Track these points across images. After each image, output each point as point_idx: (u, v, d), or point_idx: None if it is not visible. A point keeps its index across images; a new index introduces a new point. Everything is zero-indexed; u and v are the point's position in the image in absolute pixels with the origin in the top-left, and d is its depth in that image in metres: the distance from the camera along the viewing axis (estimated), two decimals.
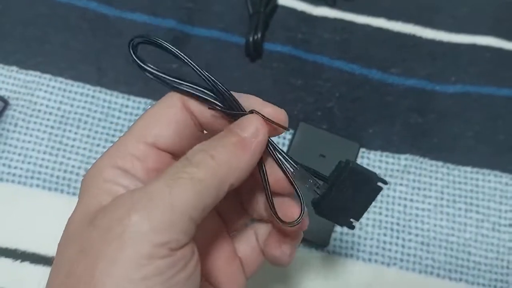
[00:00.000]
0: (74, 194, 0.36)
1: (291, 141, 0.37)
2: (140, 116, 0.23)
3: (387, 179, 0.37)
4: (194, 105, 0.22)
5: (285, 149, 0.38)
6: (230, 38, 0.41)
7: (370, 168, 0.37)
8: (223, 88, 0.21)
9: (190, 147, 0.21)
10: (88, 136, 0.37)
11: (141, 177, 0.21)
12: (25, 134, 0.37)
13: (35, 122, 0.37)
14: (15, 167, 0.36)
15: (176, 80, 0.22)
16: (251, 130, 0.21)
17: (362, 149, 0.38)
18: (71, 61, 0.39)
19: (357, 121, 0.39)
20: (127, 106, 0.38)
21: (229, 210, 0.26)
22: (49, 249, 0.34)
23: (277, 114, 0.23)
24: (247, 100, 0.23)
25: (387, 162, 0.38)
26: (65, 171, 0.37)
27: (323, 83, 0.40)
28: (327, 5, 0.42)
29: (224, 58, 0.40)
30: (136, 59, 0.22)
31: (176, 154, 0.22)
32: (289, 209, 0.23)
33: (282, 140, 0.38)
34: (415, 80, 0.40)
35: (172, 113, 0.22)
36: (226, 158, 0.20)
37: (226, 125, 0.22)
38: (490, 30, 0.41)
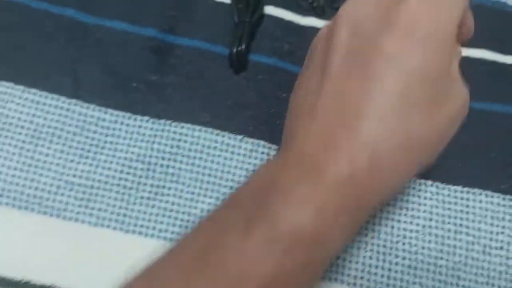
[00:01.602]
0: (45, 213, 0.34)
1: None
2: None
3: None
4: None
5: None
6: (214, 48, 0.39)
7: None
8: None
9: None
10: (61, 151, 0.36)
11: None
12: None
13: (5, 136, 0.36)
14: None
15: None
16: None
17: None
18: (46, 71, 0.37)
19: None
20: (104, 120, 0.37)
21: None
22: (18, 272, 0.33)
23: None
24: None
25: None
26: (36, 189, 0.35)
27: None
28: (316, 14, 0.40)
29: (208, 69, 0.39)
30: None
31: None
32: None
33: (266, 156, 0.37)
34: None
35: None
36: None
37: None
38: (484, 42, 0.40)
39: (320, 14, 0.40)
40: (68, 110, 0.37)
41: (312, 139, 0.23)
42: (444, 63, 0.24)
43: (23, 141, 0.36)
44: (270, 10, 0.40)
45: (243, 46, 0.37)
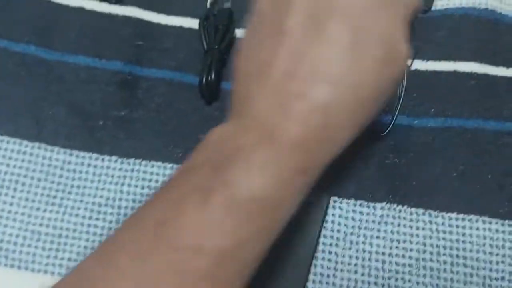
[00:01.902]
0: (12, 266, 0.32)
1: None
2: None
3: (361, 232, 0.33)
4: None
5: None
6: (183, 78, 0.37)
7: (343, 220, 0.33)
8: None
9: None
10: (26, 199, 0.34)
11: None
12: None
13: None
14: None
15: None
16: None
17: (334, 198, 0.34)
18: (7, 113, 0.35)
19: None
20: (69, 163, 0.34)
21: None
22: None
23: None
24: None
25: (361, 213, 0.34)
26: (1, 241, 0.33)
27: None
28: None
29: (178, 101, 0.36)
30: None
31: None
32: None
33: None
34: (390, 115, 0.36)
35: None
36: None
37: None
38: (472, 54, 0.37)
39: None
40: (31, 154, 0.35)
41: (267, 102, 0.23)
42: (398, 27, 0.24)
43: None
44: (241, 33, 0.37)
45: (213, 75, 0.35)
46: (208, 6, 0.38)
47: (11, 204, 0.34)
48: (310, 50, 0.23)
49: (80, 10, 0.37)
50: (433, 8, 0.38)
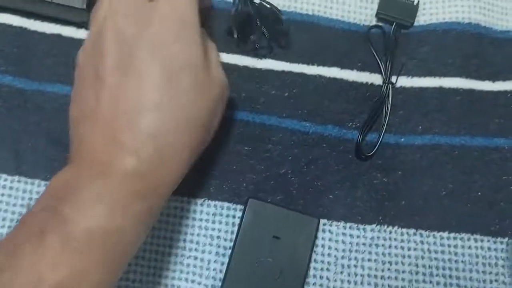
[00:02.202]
0: None
1: (240, 222, 0.32)
2: None
3: (352, 255, 0.33)
4: None
5: (234, 229, 0.33)
6: None
7: (333, 244, 0.33)
8: None
9: None
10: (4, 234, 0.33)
11: None
12: None
13: None
14: None
15: None
16: None
17: (323, 221, 0.34)
18: None
19: (315, 187, 0.35)
20: None
21: None
22: None
23: None
24: None
25: (351, 236, 0.33)
26: None
27: (273, 147, 0.35)
28: (264, 56, 0.37)
29: None
30: None
31: None
32: None
33: (232, 220, 0.33)
34: (376, 133, 0.36)
35: None
36: None
37: None
38: (457, 69, 0.36)
39: (263, 55, 0.37)
40: (11, 188, 0.34)
41: (99, 142, 0.25)
42: (198, 51, 0.27)
43: None
44: (223, 57, 0.36)
45: None
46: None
47: None
48: (126, 86, 0.25)
49: (57, 37, 0.36)
50: (415, 23, 0.37)
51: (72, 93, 0.28)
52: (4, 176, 0.34)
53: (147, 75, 0.26)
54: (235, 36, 0.35)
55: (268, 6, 0.35)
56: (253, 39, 0.36)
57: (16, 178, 0.34)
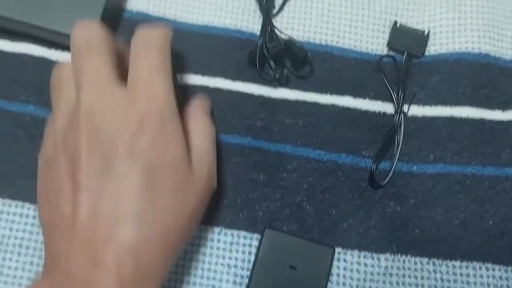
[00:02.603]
0: None
1: (257, 252, 0.33)
2: None
3: (367, 284, 0.33)
4: None
5: (251, 258, 0.34)
6: None
7: (348, 273, 0.34)
8: None
9: None
10: (31, 263, 0.34)
11: None
12: None
13: None
14: None
15: None
16: None
17: (338, 249, 0.34)
18: (7, 177, 0.35)
19: (330, 214, 0.35)
20: None
21: None
22: None
23: None
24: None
25: (365, 265, 0.34)
26: None
27: (288, 175, 0.36)
28: (281, 85, 0.38)
29: None
30: None
31: None
32: None
33: (248, 249, 0.34)
34: (389, 162, 0.36)
35: None
36: None
37: None
38: (468, 99, 0.37)
39: (284, 84, 0.37)
40: (34, 217, 0.34)
41: (77, 256, 0.24)
42: (179, 148, 0.26)
43: None
44: (239, 86, 0.37)
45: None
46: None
47: (15, 268, 0.33)
48: (105, 193, 0.24)
49: None
50: (426, 53, 0.38)
51: (39, 189, 0.27)
52: (27, 204, 0.35)
53: (127, 180, 0.24)
54: (258, 67, 0.36)
55: (297, 44, 0.36)
56: (276, 72, 0.37)
57: None
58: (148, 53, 0.27)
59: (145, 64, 0.26)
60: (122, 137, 0.24)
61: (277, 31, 0.38)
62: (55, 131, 0.27)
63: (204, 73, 0.37)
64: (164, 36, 0.28)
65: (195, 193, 0.27)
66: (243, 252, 0.34)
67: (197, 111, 0.31)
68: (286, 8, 0.39)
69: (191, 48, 0.38)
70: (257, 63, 0.36)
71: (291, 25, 0.39)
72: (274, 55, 0.36)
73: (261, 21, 0.38)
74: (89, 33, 0.27)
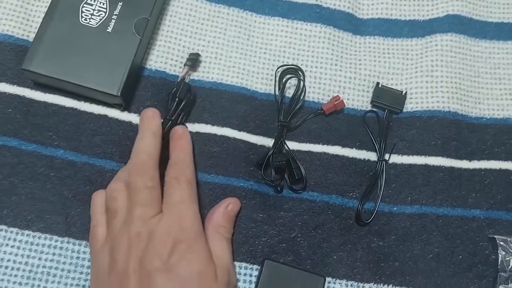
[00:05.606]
0: None
1: (257, 280, 0.38)
2: None
3: None
4: None
5: (251, 286, 0.39)
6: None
7: None
8: None
9: None
10: None
11: None
12: None
13: (1, 280, 0.38)
14: None
15: None
16: None
17: (328, 279, 0.39)
18: (38, 212, 0.40)
19: (321, 248, 0.40)
20: None
21: None
22: None
23: None
24: None
25: None
26: None
27: (285, 214, 0.41)
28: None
29: None
30: None
31: None
32: None
33: (249, 278, 0.39)
34: (373, 203, 0.42)
35: None
36: None
37: None
38: (439, 150, 0.43)
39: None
40: (61, 248, 0.39)
41: None
42: (205, 265, 0.34)
43: (19, 283, 0.38)
44: (240, 134, 0.43)
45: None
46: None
47: None
48: None
49: (104, 117, 0.43)
50: (404, 110, 0.45)
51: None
52: (55, 237, 0.39)
53: None
54: (261, 172, 0.41)
55: (298, 164, 0.41)
56: (275, 180, 0.41)
57: (66, 239, 0.39)
58: (178, 186, 0.36)
59: (177, 193, 0.36)
60: (158, 259, 0.32)
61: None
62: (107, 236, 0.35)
63: (213, 123, 0.43)
64: (192, 173, 0.38)
65: None
66: (244, 281, 0.39)
67: (219, 225, 0.38)
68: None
69: (203, 100, 0.44)
70: (262, 170, 0.41)
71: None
72: (276, 167, 0.41)
73: (264, 81, 0.45)
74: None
